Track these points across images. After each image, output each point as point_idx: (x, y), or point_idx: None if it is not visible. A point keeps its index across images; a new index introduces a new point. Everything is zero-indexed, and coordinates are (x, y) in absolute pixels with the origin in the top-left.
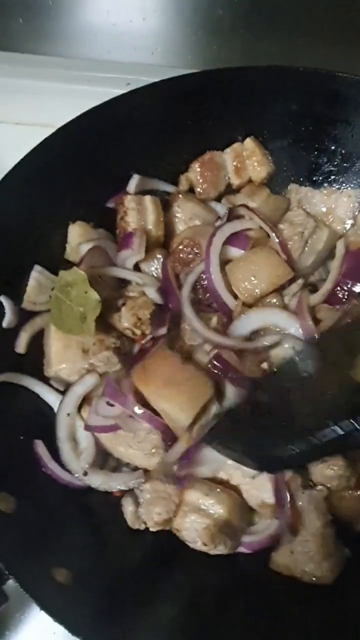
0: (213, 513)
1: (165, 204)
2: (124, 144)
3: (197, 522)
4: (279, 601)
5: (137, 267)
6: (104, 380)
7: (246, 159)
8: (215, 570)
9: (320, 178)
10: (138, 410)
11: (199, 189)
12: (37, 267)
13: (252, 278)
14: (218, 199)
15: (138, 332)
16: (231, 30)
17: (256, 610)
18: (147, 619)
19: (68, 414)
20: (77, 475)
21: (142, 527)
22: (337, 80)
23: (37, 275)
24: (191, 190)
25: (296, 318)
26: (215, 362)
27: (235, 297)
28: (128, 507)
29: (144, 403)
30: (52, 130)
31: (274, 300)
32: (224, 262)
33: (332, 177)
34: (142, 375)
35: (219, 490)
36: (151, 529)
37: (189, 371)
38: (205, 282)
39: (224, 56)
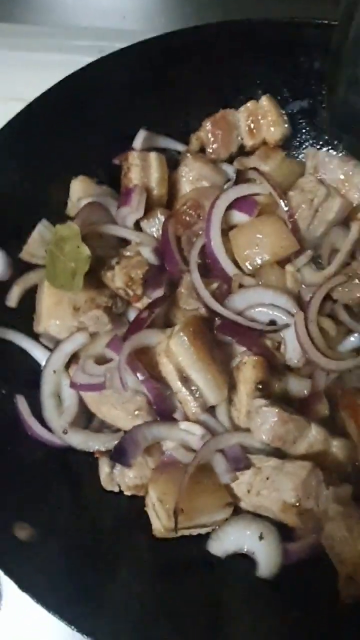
0: None
1: (175, 163)
2: (132, 102)
3: None
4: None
5: (138, 227)
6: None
7: (261, 119)
8: (183, 545)
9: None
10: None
11: (209, 149)
12: (44, 221)
13: (256, 247)
14: (230, 161)
15: (130, 292)
16: None
17: (215, 585)
18: (107, 584)
19: (54, 371)
20: (57, 433)
21: (116, 489)
22: None
23: (41, 229)
24: (203, 150)
25: (295, 300)
26: (222, 330)
27: (238, 264)
28: (104, 469)
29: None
30: (23, 105)
31: (276, 274)
32: (229, 227)
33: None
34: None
35: None
36: (125, 493)
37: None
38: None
39: (199, 17)
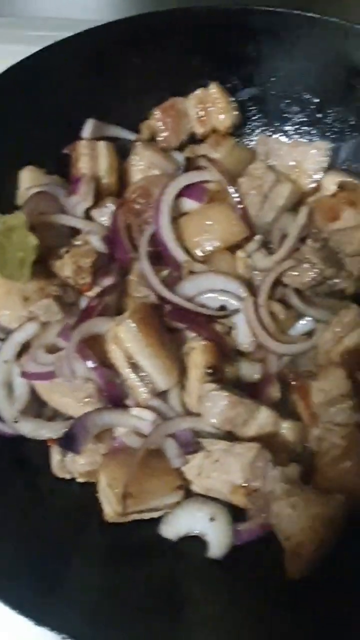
0: None
1: (127, 152)
2: (81, 91)
3: None
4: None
5: (89, 216)
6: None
7: (210, 107)
8: (136, 530)
9: (292, 129)
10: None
11: (160, 137)
12: None
13: (205, 233)
14: (181, 149)
15: (80, 281)
16: None
17: (169, 567)
18: (61, 571)
19: (5, 361)
20: (8, 422)
21: (68, 476)
22: (309, 22)
23: None
24: (154, 139)
25: (245, 286)
26: (172, 317)
27: (189, 252)
28: (55, 456)
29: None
30: None
31: (227, 260)
32: (180, 215)
33: (304, 128)
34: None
35: None
36: (77, 480)
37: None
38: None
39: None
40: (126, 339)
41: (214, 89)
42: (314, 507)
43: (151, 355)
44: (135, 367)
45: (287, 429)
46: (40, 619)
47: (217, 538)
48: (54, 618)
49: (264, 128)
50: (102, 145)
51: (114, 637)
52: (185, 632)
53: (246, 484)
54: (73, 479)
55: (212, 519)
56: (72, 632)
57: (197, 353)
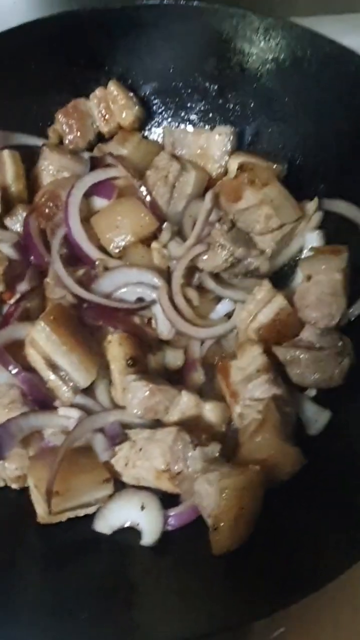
0: None
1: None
2: None
3: None
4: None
5: (2, 225)
6: None
7: (112, 104)
8: (72, 528)
9: (196, 118)
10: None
11: (66, 140)
12: None
13: (116, 228)
14: (91, 149)
15: None
16: None
17: (106, 561)
18: (3, 577)
19: None
20: None
21: (1, 483)
22: (189, 10)
23: None
24: (62, 142)
25: (160, 275)
26: (88, 315)
27: (104, 249)
28: None
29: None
30: None
31: (142, 253)
32: (92, 214)
33: (209, 115)
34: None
35: None
36: (12, 486)
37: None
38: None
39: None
40: (41, 340)
41: (112, 87)
42: (227, 479)
43: (67, 354)
44: (54, 367)
45: (209, 410)
46: None
47: (149, 525)
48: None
49: (170, 119)
50: (6, 154)
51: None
52: (129, 616)
53: (168, 468)
54: (7, 486)
55: (142, 508)
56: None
57: (114, 346)
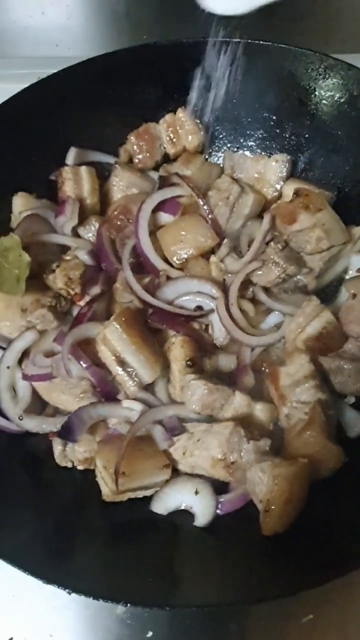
0: None
1: (108, 174)
2: (64, 121)
3: None
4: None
5: (77, 234)
6: (59, 334)
7: (179, 129)
8: (131, 508)
9: (255, 144)
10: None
11: (136, 159)
12: None
13: (180, 242)
14: (156, 168)
15: (71, 291)
16: (127, 16)
17: (162, 539)
18: (69, 548)
19: (8, 367)
20: (14, 420)
21: (69, 465)
22: (261, 49)
23: None
24: (131, 161)
25: (218, 287)
26: (153, 318)
27: (167, 260)
28: (57, 447)
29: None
30: None
31: (201, 265)
32: (157, 228)
33: (266, 143)
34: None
35: None
36: (78, 467)
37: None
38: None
39: (124, 40)
40: (112, 338)
41: (181, 114)
42: (279, 469)
43: (135, 352)
44: (122, 363)
45: (259, 410)
46: (49, 579)
47: (202, 508)
48: (61, 577)
49: (229, 145)
50: (83, 170)
51: (116, 593)
52: (180, 585)
53: (224, 458)
54: (74, 467)
55: (196, 493)
56: (77, 588)
57: (176, 348)
